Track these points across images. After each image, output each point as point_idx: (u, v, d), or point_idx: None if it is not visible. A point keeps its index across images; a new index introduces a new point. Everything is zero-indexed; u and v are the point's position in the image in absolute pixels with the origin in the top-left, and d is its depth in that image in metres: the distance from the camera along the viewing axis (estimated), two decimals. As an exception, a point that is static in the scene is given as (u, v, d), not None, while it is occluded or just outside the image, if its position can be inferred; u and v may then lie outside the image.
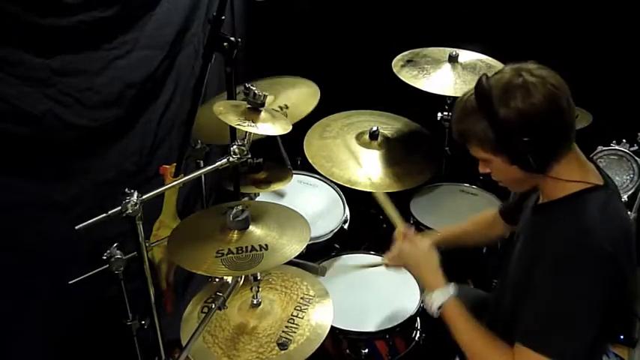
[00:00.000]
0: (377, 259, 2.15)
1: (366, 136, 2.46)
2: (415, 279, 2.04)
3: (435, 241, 1.89)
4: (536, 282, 1.34)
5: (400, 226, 1.84)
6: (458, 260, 2.32)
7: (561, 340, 1.28)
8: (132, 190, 1.36)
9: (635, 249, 1.40)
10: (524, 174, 1.36)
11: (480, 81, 1.33)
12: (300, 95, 2.21)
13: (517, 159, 1.33)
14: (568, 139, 1.35)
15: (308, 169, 2.47)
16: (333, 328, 1.77)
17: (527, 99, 1.27)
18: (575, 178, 1.35)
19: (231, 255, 1.49)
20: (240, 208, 1.57)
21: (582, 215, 1.32)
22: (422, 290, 1.98)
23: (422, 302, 1.51)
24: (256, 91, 1.64)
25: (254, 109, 1.66)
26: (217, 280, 1.86)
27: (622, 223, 1.35)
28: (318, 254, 2.19)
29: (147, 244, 1.46)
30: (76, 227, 1.33)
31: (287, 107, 2.13)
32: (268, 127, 1.63)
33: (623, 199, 2.37)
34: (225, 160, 1.58)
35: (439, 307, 1.49)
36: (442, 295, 1.49)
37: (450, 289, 1.51)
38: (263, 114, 1.66)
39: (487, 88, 1.31)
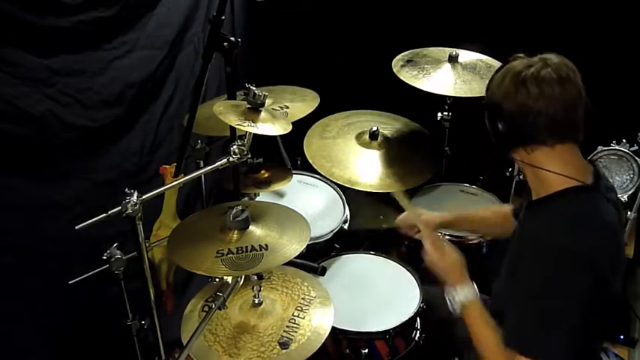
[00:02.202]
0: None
1: (366, 136, 2.46)
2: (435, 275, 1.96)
3: (448, 221, 1.91)
4: (515, 284, 1.36)
5: (424, 228, 1.80)
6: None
7: (543, 342, 1.29)
8: (132, 190, 1.36)
9: (621, 248, 1.42)
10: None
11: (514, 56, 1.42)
12: (298, 106, 2.20)
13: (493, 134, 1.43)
14: (551, 133, 1.35)
15: (308, 169, 2.47)
16: (333, 328, 1.77)
17: (500, 86, 1.37)
18: (559, 173, 1.36)
19: (231, 255, 1.49)
20: (240, 208, 1.57)
21: (558, 217, 1.34)
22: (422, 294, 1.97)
23: (448, 298, 1.54)
24: (256, 91, 1.64)
25: (254, 109, 1.66)
26: (217, 280, 1.86)
27: (601, 225, 1.35)
28: (318, 254, 2.19)
29: (147, 244, 1.47)
30: (76, 227, 1.34)
31: (287, 107, 2.13)
32: (268, 127, 1.64)
33: (623, 199, 2.36)
34: (225, 160, 1.58)
35: (462, 304, 1.50)
36: (468, 293, 1.51)
37: (475, 290, 1.53)
38: (263, 114, 1.67)
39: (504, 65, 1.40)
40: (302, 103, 2.19)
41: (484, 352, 1.44)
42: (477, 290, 1.54)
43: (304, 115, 2.12)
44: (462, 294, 1.51)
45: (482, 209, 2.04)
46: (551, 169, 1.36)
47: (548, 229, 1.34)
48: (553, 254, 1.30)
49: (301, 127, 2.25)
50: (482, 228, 2.06)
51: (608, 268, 1.31)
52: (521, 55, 1.40)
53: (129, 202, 1.33)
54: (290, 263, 1.66)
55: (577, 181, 1.36)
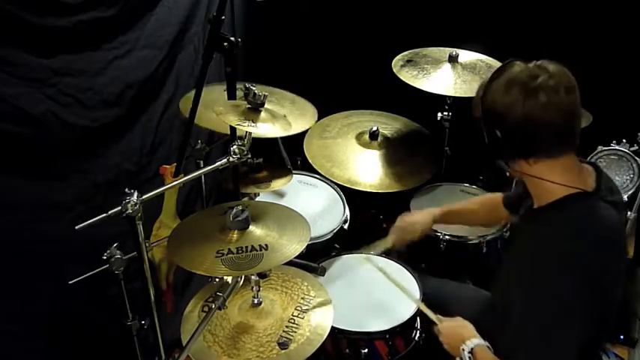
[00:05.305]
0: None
1: (366, 136, 2.46)
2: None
3: (438, 217, 1.94)
4: (514, 292, 1.37)
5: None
6: (458, 260, 2.33)
7: (545, 349, 1.29)
8: (132, 190, 1.36)
9: (624, 253, 1.42)
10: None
11: (509, 62, 1.37)
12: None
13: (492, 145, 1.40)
14: (555, 144, 1.34)
15: (308, 169, 2.47)
16: (332, 327, 1.77)
17: (524, 99, 1.29)
18: (561, 183, 1.35)
19: (231, 255, 1.49)
20: (240, 208, 1.57)
21: (559, 224, 1.34)
22: (422, 293, 1.97)
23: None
24: (256, 91, 1.64)
25: (254, 109, 1.66)
26: (217, 280, 1.86)
27: (604, 231, 1.34)
28: (318, 254, 2.19)
29: (147, 244, 1.47)
30: (76, 227, 1.34)
31: (285, 117, 2.12)
32: (268, 127, 1.64)
33: (623, 200, 2.37)
34: (225, 160, 1.58)
35: (470, 352, 1.49)
36: (478, 341, 1.51)
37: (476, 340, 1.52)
38: (263, 114, 1.67)
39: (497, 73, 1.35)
40: (300, 118, 2.16)
41: None
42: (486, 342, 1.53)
43: (300, 130, 2.08)
44: (473, 343, 1.50)
45: (472, 202, 2.05)
46: (551, 179, 1.35)
47: (545, 239, 1.34)
48: (548, 261, 1.30)
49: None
50: (471, 221, 2.10)
51: (610, 271, 1.31)
52: (517, 62, 1.36)
53: (129, 202, 1.33)
54: (290, 263, 1.66)
55: (577, 189, 1.35)
